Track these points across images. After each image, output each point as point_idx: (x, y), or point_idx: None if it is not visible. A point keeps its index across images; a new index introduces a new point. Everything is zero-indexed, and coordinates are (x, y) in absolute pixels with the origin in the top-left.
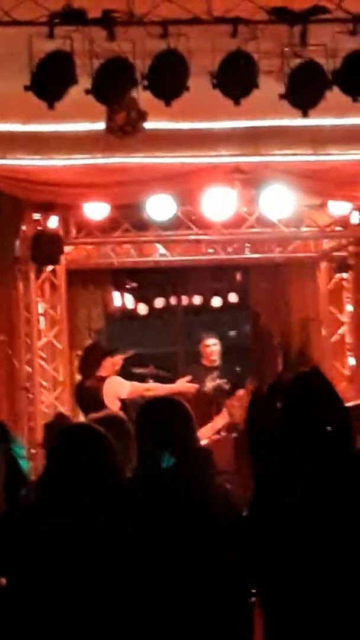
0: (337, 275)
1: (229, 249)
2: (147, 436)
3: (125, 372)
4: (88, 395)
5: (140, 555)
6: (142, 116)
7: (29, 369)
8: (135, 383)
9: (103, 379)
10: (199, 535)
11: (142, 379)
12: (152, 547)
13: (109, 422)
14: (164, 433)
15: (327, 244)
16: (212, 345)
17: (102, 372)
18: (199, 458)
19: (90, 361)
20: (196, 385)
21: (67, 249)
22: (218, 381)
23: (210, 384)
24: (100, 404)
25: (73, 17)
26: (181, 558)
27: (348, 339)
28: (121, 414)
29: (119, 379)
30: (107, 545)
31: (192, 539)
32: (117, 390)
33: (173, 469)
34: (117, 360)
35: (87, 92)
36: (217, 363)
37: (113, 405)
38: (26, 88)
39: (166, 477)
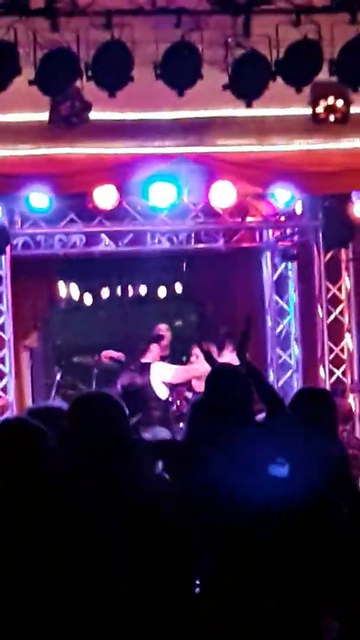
0: (282, 265)
1: (175, 240)
2: (81, 431)
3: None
4: None
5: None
6: (87, 107)
7: None
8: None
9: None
10: (127, 530)
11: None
12: (80, 542)
13: (47, 415)
14: (98, 428)
15: (272, 234)
16: (166, 331)
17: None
18: (133, 451)
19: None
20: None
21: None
22: None
23: None
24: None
25: (16, 7)
26: (110, 555)
27: (293, 329)
28: (63, 405)
29: (162, 364)
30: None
31: (121, 533)
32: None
33: (109, 464)
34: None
35: (31, 82)
36: (167, 352)
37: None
38: None
39: (101, 473)
